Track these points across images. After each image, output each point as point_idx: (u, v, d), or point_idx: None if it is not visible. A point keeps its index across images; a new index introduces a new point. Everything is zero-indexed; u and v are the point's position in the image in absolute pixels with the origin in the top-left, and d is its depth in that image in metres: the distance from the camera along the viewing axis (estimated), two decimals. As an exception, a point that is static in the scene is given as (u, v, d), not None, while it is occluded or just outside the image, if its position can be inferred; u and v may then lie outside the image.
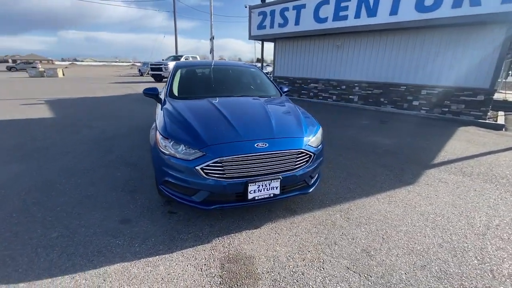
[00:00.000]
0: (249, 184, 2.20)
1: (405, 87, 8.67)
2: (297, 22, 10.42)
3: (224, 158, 2.15)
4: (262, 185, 2.26)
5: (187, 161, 2.20)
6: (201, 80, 3.85)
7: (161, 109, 2.94)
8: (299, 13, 10.24)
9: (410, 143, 5.19)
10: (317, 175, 2.79)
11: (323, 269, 1.95)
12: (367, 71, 9.54)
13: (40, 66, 29.55)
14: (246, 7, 12.02)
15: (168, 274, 1.87)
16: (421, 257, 2.08)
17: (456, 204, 2.90)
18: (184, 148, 2.25)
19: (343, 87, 10.39)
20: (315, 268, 1.95)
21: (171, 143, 2.31)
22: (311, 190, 2.61)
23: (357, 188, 3.27)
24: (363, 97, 9.85)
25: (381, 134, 5.85)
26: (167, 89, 3.40)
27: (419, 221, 2.57)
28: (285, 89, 4.04)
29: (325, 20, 9.52)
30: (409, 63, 8.43)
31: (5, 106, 8.47)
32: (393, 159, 4.28)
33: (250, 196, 2.24)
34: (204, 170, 2.17)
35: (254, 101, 3.19)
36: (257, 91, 3.83)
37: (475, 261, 2.05)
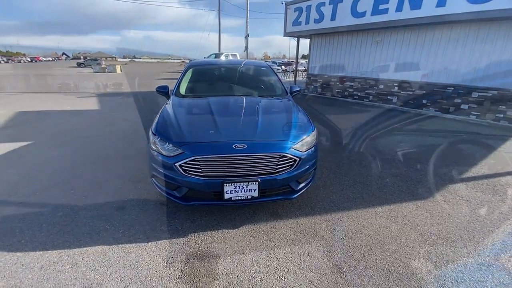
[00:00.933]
0: (225, 185, 2.22)
1: (452, 88, 7.67)
2: (333, 17, 9.94)
3: (200, 157, 2.20)
4: (239, 187, 2.26)
5: (168, 157, 2.31)
6: (208, 79, 3.95)
7: (163, 106, 3.12)
8: (336, 8, 9.73)
9: (442, 153, 4.60)
10: (308, 180, 2.68)
11: (284, 279, 1.88)
12: (409, 69, 8.66)
13: (104, 63, 33.37)
14: (282, 3, 11.86)
15: (136, 262, 2.02)
16: (399, 282, 1.87)
17: (469, 227, 2.51)
18: (168, 145, 2.36)
19: (381, 86, 9.62)
20: (276, 277, 1.90)
21: (158, 139, 2.44)
22: (295, 196, 2.51)
23: (357, 197, 3.04)
24: (403, 98, 8.99)
25: (410, 140, 5.30)
26: (174, 87, 3.58)
27: (414, 242, 2.29)
28: (296, 89, 3.92)
29: (363, 14, 8.89)
30: (459, 60, 7.41)
31: (64, 98, 9.82)
32: (413, 169, 3.86)
33: (226, 196, 2.26)
34: (183, 167, 2.26)
35: (250, 101, 3.17)
36: (262, 90, 3.80)
37: (466, 296, 1.77)
